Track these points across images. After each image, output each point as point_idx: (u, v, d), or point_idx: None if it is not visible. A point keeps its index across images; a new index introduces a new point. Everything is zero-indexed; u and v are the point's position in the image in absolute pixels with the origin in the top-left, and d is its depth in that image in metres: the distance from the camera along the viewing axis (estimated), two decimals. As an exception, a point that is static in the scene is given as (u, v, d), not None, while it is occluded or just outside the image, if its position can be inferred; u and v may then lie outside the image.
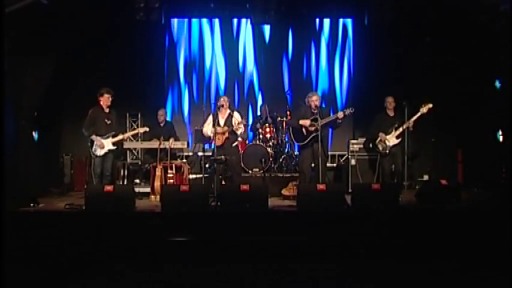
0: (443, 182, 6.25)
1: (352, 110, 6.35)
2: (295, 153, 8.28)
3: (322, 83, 9.57)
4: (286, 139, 8.47)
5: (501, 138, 7.72)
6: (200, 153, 8.25)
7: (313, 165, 6.56)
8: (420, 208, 6.08)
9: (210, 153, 7.12)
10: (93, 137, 6.56)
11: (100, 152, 6.56)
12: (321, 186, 5.89)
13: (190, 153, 8.69)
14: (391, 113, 6.97)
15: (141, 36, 8.73)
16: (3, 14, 5.03)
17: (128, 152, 8.63)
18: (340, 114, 6.32)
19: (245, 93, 9.54)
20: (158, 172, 6.87)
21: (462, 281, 4.35)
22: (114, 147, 6.71)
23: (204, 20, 9.52)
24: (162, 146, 7.05)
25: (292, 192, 6.81)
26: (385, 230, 5.31)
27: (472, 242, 5.12)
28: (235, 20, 9.53)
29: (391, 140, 6.77)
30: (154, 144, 7.28)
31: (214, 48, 9.52)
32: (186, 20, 9.54)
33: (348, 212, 5.77)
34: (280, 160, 8.25)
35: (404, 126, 6.61)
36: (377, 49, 8.86)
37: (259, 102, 9.45)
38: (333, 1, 9.14)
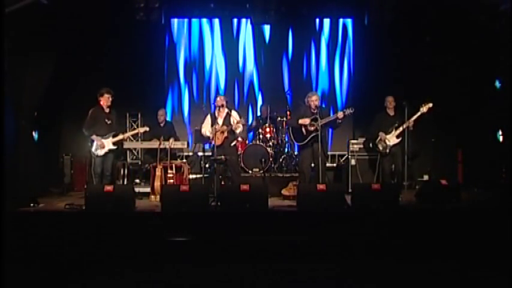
0: (443, 182, 6.24)
1: (352, 110, 6.35)
2: (295, 153, 8.28)
3: (322, 83, 9.57)
4: (286, 139, 8.48)
5: (501, 138, 7.71)
6: (200, 153, 8.25)
7: (313, 165, 6.56)
8: (420, 208, 6.08)
9: (210, 153, 7.12)
10: (94, 136, 6.56)
11: (100, 152, 6.56)
12: (321, 186, 5.89)
13: (190, 153, 8.70)
14: (391, 113, 6.97)
15: (141, 36, 8.73)
16: (3, 14, 5.03)
17: (128, 152, 8.63)
18: (340, 114, 6.32)
19: (245, 93, 9.54)
20: (158, 172, 6.87)
21: (462, 281, 4.35)
22: (115, 147, 6.72)
23: (204, 20, 9.52)
24: (162, 146, 7.05)
25: (292, 192, 6.80)
26: (385, 230, 5.31)
27: (472, 242, 5.13)
28: (235, 20, 9.53)
29: (391, 139, 6.78)
30: (154, 144, 7.28)
31: (214, 48, 9.52)
32: (186, 20, 9.53)
33: (348, 212, 5.77)
34: (280, 160, 8.25)
35: (405, 126, 6.61)
36: (377, 49, 8.86)
37: (259, 102, 9.45)
38: (333, 1, 9.14)
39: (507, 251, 4.56)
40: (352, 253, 5.05)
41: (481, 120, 8.01)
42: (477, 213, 5.81)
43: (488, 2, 7.33)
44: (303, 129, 6.48)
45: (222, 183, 7.12)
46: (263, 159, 7.80)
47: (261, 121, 8.63)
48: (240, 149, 7.93)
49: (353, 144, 7.73)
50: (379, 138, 6.85)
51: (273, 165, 8.06)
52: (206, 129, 6.95)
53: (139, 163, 8.37)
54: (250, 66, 9.54)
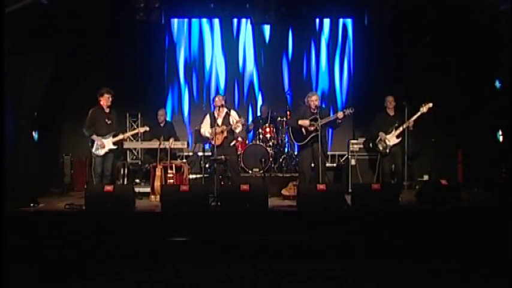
0: (443, 182, 6.24)
1: (352, 110, 6.35)
2: (295, 153, 8.28)
3: (322, 83, 9.57)
4: (286, 139, 8.48)
5: (501, 138, 7.71)
6: (200, 153, 8.25)
7: (313, 165, 6.56)
8: (420, 208, 6.08)
9: (210, 153, 7.12)
10: (94, 136, 6.56)
11: (101, 152, 6.57)
12: (321, 186, 5.89)
13: (190, 153, 8.70)
14: (392, 113, 6.97)
15: (141, 36, 8.73)
16: (3, 14, 5.02)
17: (128, 152, 8.63)
18: (340, 115, 6.32)
19: (245, 93, 9.54)
20: (158, 172, 6.87)
21: (462, 281, 4.36)
22: (115, 147, 6.72)
23: (204, 20, 9.52)
24: (162, 146, 7.05)
25: (292, 192, 6.80)
26: (385, 230, 5.31)
27: (472, 241, 5.13)
28: (235, 20, 9.53)
29: (392, 139, 6.77)
30: (154, 144, 7.28)
31: (214, 48, 9.52)
32: (186, 20, 9.53)
33: (348, 212, 5.77)
34: (280, 160, 8.25)
35: (405, 126, 6.61)
36: (377, 49, 8.86)
37: (259, 102, 9.45)
38: (333, 1, 9.14)
39: (507, 251, 4.55)
40: (352, 253, 5.05)
41: (481, 120, 8.01)
42: (477, 213, 5.81)
43: (488, 2, 7.32)
44: (303, 129, 6.47)
45: (222, 183, 7.12)
46: (263, 159, 7.80)
47: (261, 121, 8.63)
48: (240, 149, 7.94)
49: (353, 144, 7.73)
50: (379, 138, 6.84)
51: (273, 165, 8.06)
52: (205, 129, 6.95)
53: (139, 163, 8.37)
54: (250, 66, 9.54)
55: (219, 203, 5.80)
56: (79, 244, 5.09)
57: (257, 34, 9.51)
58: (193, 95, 9.49)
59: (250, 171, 7.86)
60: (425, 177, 8.31)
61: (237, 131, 6.95)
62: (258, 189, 6.01)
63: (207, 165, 7.78)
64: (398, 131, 6.72)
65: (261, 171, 7.72)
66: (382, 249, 5.09)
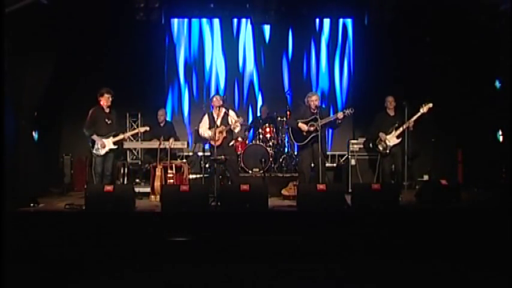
0: (443, 182, 6.25)
1: (352, 110, 6.35)
2: (295, 153, 8.28)
3: (322, 83, 9.57)
4: (286, 139, 8.48)
5: (501, 138, 7.71)
6: (200, 153, 8.25)
7: (312, 165, 6.56)
8: (420, 208, 6.08)
9: (210, 153, 7.12)
10: (94, 136, 6.56)
11: (101, 152, 6.57)
12: (321, 186, 5.89)
13: (190, 153, 8.70)
14: (392, 113, 6.96)
15: (141, 36, 8.72)
16: (3, 14, 5.02)
17: (128, 152, 8.63)
18: (340, 115, 6.32)
19: (245, 93, 9.54)
20: (158, 172, 6.87)
21: (462, 280, 4.35)
22: (115, 147, 6.72)
23: (204, 20, 9.52)
24: (162, 146, 7.05)
25: (292, 192, 6.80)
26: (385, 230, 5.31)
27: (472, 242, 5.13)
28: (235, 20, 9.53)
29: (392, 139, 6.77)
30: (154, 144, 7.29)
31: (214, 48, 9.52)
32: (186, 20, 9.54)
33: (348, 212, 5.77)
34: (280, 160, 8.25)
35: (405, 126, 6.61)
36: (377, 49, 8.86)
37: (259, 102, 9.45)
38: (333, 1, 9.14)
39: (507, 251, 4.55)
40: (352, 253, 5.05)
41: (481, 120, 8.01)
42: (477, 213, 5.81)
43: (488, 2, 7.33)
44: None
45: (221, 183, 7.12)
46: (263, 159, 7.80)
47: (260, 121, 8.63)
48: (240, 149, 7.94)
49: (353, 144, 7.73)
50: (379, 138, 6.84)
51: (273, 165, 8.06)
52: (204, 129, 6.95)
53: (140, 163, 8.37)
54: (250, 66, 9.54)
55: (219, 203, 5.80)
56: (79, 244, 5.09)
57: (257, 34, 9.51)
58: (193, 95, 9.49)
59: (250, 171, 7.86)
60: (425, 177, 8.30)
61: (236, 131, 6.96)
62: (258, 189, 6.01)
63: (207, 165, 7.78)
64: (398, 132, 6.71)
65: (261, 171, 7.72)
66: (382, 249, 5.09)
